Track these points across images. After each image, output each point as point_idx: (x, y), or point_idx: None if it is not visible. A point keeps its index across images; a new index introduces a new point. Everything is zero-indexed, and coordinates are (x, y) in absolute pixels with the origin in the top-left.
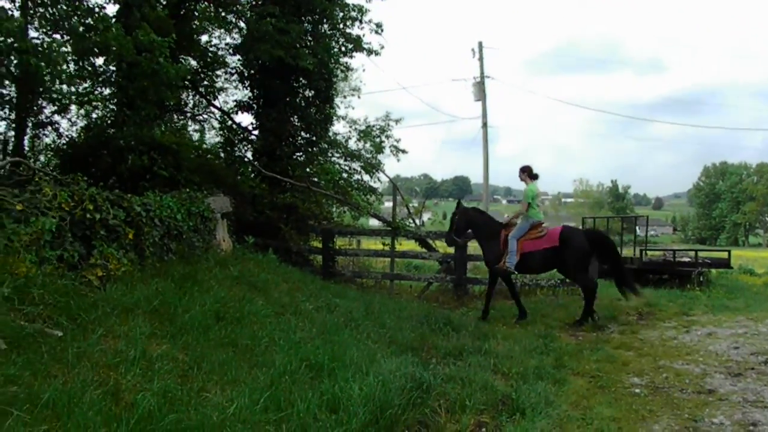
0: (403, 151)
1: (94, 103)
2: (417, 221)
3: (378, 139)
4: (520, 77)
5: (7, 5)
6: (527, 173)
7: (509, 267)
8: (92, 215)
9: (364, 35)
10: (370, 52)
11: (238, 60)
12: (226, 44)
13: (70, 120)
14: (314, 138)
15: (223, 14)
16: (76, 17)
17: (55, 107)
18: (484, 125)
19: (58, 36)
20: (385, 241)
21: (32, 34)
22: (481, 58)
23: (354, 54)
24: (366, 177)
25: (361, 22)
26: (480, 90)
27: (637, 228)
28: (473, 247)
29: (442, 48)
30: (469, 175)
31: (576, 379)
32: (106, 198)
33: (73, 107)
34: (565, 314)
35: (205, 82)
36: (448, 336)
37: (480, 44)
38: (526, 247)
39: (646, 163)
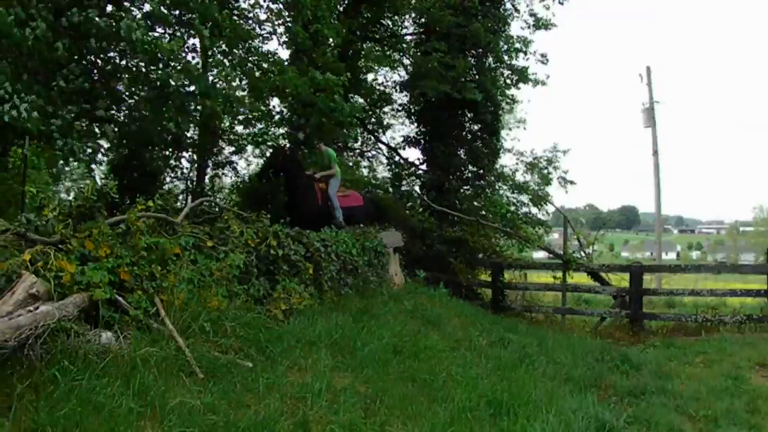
0: (572, 182)
1: (268, 143)
2: (586, 253)
3: (545, 171)
4: (691, 101)
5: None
6: (321, 143)
7: (340, 220)
8: (275, 251)
9: (528, 66)
10: (536, 82)
11: (405, 96)
12: (393, 82)
13: (246, 159)
14: (481, 171)
15: (388, 52)
16: (251, 62)
17: (234, 148)
18: (655, 153)
19: (235, 83)
20: (555, 274)
21: (211, 79)
22: (649, 83)
23: (519, 85)
24: (533, 209)
25: (525, 53)
26: (649, 116)
27: None
28: (648, 278)
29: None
30: (637, 204)
31: None
32: (287, 234)
33: (249, 147)
34: (755, 353)
35: (373, 119)
36: (626, 374)
37: (648, 69)
38: (341, 202)
39: None
